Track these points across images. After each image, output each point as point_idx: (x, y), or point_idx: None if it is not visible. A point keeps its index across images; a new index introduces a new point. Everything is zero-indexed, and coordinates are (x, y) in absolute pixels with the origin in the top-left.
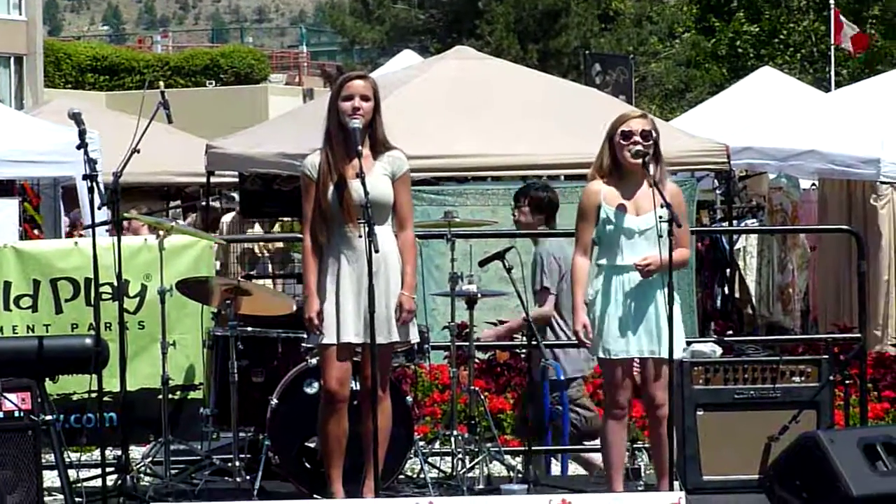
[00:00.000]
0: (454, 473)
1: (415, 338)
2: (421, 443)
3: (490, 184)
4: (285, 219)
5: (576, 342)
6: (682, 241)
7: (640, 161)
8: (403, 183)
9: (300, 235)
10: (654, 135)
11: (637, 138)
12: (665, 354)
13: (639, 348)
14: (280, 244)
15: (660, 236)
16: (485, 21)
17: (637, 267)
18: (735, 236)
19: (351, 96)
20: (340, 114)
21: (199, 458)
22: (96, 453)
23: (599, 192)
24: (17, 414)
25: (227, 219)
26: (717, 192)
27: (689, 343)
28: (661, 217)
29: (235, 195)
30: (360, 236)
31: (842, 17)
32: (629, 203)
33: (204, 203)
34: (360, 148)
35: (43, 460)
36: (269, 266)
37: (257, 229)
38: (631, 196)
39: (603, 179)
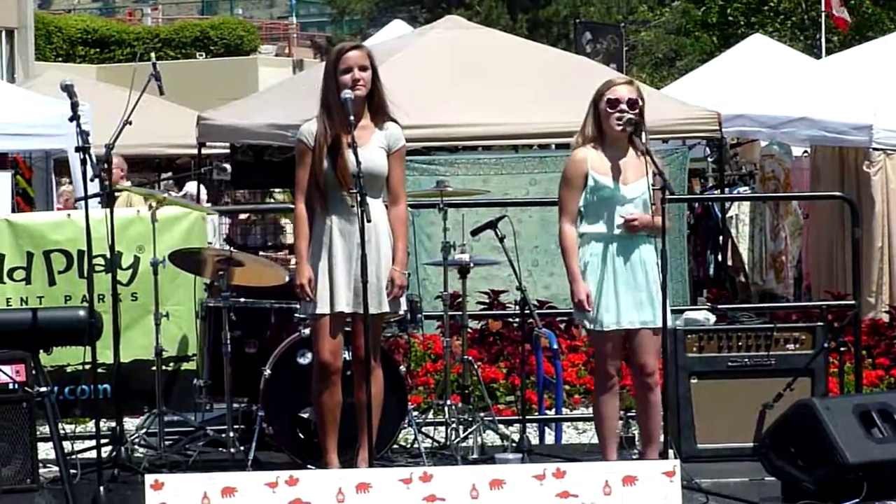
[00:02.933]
0: (448, 443)
1: (404, 309)
2: (415, 413)
3: (481, 153)
4: (276, 189)
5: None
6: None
7: (630, 129)
8: (398, 158)
9: (292, 206)
10: (640, 103)
11: (623, 106)
12: (657, 324)
13: (629, 319)
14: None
15: (653, 204)
16: None
17: (624, 219)
18: (727, 204)
19: (349, 68)
20: (340, 86)
21: (192, 428)
22: (91, 425)
23: (586, 159)
24: (11, 386)
25: None
26: (709, 159)
27: (682, 311)
28: (653, 185)
29: (228, 166)
30: (353, 206)
31: None
32: (616, 169)
33: (199, 173)
34: (352, 118)
35: (38, 432)
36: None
37: None
38: (617, 164)
39: (590, 145)
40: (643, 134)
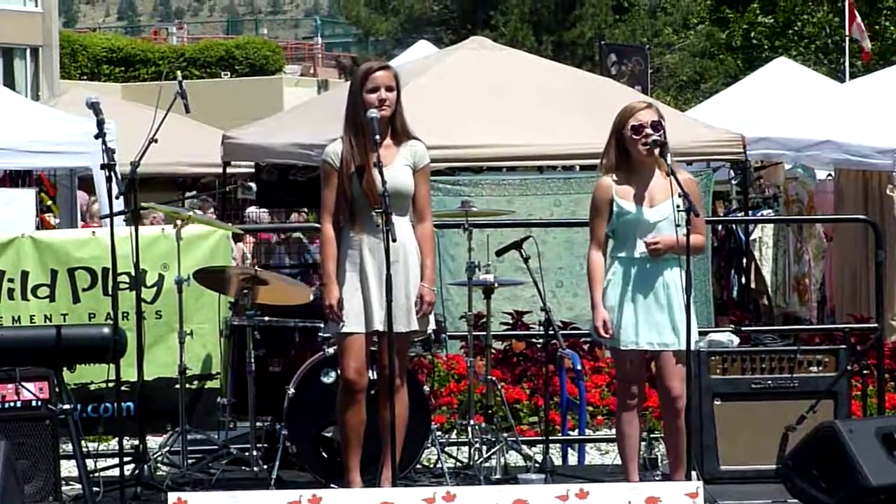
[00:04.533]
0: (471, 463)
1: (432, 327)
2: (438, 432)
3: (506, 174)
4: (302, 210)
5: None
6: (698, 227)
7: (655, 152)
8: (423, 175)
9: (317, 225)
10: (663, 123)
11: (648, 130)
12: (680, 347)
13: (649, 340)
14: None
15: (677, 225)
16: (499, 12)
17: (646, 244)
18: (751, 227)
19: (376, 88)
20: (366, 104)
21: (216, 447)
22: (114, 443)
23: (610, 186)
24: (35, 403)
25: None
26: (733, 182)
27: (706, 332)
28: (678, 206)
29: (253, 185)
30: (378, 225)
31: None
32: (642, 194)
33: (224, 192)
34: (376, 137)
35: (61, 450)
36: (287, 258)
37: None
38: (644, 187)
39: (614, 173)
40: (668, 156)
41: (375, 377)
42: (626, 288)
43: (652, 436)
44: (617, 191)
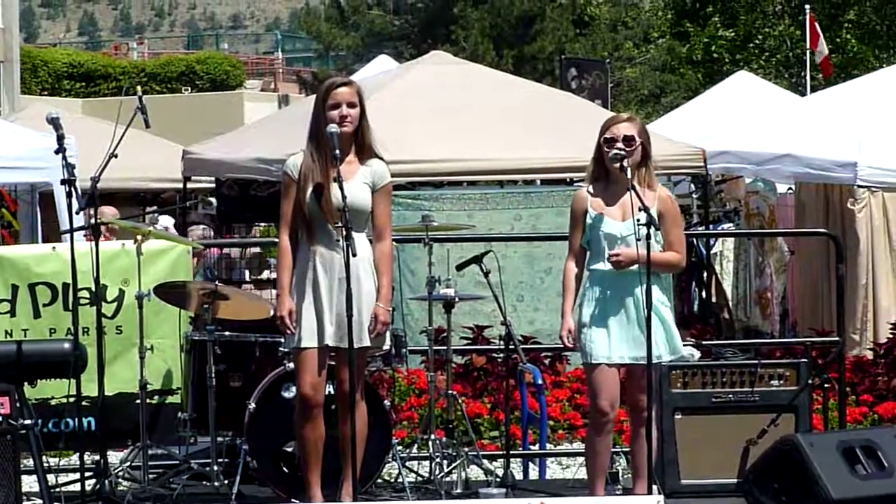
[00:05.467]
0: (432, 478)
1: (387, 346)
2: (399, 447)
3: (466, 188)
4: (261, 225)
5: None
6: (674, 244)
7: (617, 165)
8: (384, 194)
9: (276, 239)
10: (637, 139)
11: (619, 144)
12: (664, 356)
13: (620, 354)
14: (256, 249)
15: (638, 239)
16: (460, 27)
17: (609, 258)
18: (711, 240)
19: (338, 104)
20: (327, 121)
21: (177, 462)
22: (75, 458)
23: (586, 197)
24: None
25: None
26: (694, 196)
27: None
28: (638, 220)
29: (213, 200)
30: (338, 240)
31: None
32: (615, 208)
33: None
34: (337, 152)
35: (21, 465)
36: (247, 272)
37: None
38: (617, 201)
39: (592, 184)
40: (638, 169)
41: (333, 392)
42: (599, 302)
43: (613, 450)
44: (591, 202)
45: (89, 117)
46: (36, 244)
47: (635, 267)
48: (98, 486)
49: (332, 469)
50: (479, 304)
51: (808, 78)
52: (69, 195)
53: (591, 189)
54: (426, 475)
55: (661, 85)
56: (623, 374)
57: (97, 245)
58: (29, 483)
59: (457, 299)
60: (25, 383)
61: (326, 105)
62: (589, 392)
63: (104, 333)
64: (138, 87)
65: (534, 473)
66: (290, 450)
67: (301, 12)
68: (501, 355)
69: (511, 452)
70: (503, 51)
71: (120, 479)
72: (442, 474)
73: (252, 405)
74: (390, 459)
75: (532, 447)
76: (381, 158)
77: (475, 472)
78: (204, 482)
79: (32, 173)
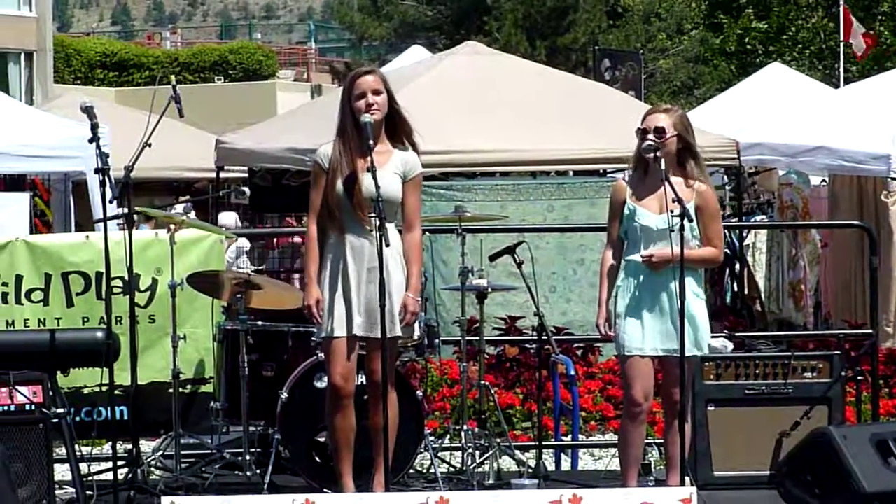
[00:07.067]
0: (464, 468)
1: (417, 334)
2: (431, 438)
3: (499, 179)
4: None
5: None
6: (713, 239)
7: (651, 156)
8: (414, 185)
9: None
10: (669, 131)
11: (651, 135)
12: (687, 352)
13: (654, 346)
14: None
15: (671, 230)
16: (493, 17)
17: (642, 259)
18: (745, 232)
19: (363, 93)
20: (355, 111)
21: (209, 451)
22: (107, 447)
23: (624, 188)
24: (28, 407)
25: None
26: (727, 188)
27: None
28: (672, 212)
29: (246, 190)
30: (371, 230)
31: (851, 17)
32: (652, 199)
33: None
34: (371, 142)
35: (54, 454)
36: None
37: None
38: (654, 192)
39: (634, 175)
40: (662, 161)
41: (366, 382)
42: (634, 293)
43: (646, 442)
44: (629, 193)
45: (122, 106)
46: (69, 233)
47: None
48: (130, 475)
49: (363, 459)
50: (511, 294)
51: (841, 70)
52: (103, 184)
53: (627, 179)
54: (458, 466)
55: (694, 76)
56: (657, 365)
57: (130, 234)
58: (61, 472)
59: (489, 290)
60: (58, 372)
61: (353, 95)
62: (623, 383)
63: (137, 322)
64: (172, 77)
65: (566, 464)
66: (321, 440)
67: (334, 2)
68: (534, 346)
69: (543, 443)
70: (536, 42)
71: (152, 469)
72: (474, 465)
73: (284, 395)
74: (422, 450)
75: (564, 438)
76: (416, 147)
77: (507, 463)
78: (236, 472)
79: (66, 162)
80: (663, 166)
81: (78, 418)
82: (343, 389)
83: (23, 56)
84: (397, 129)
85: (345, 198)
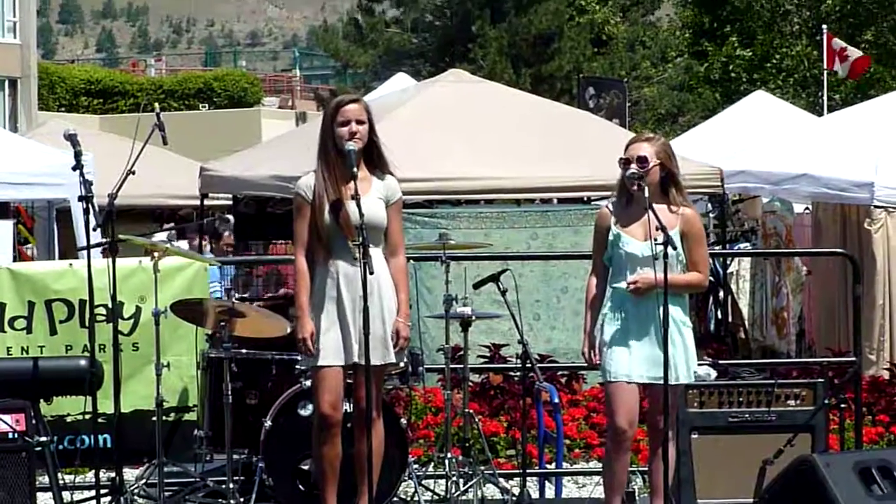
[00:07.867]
0: (448, 496)
1: (404, 361)
2: (415, 465)
3: (483, 207)
4: (279, 241)
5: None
6: (698, 264)
7: (634, 186)
8: (396, 210)
9: (293, 257)
10: (652, 160)
11: (633, 165)
12: (671, 380)
13: (640, 373)
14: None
15: (655, 258)
16: (478, 45)
17: (628, 287)
18: (728, 260)
19: (347, 121)
20: (337, 138)
21: (193, 479)
22: (90, 475)
23: (608, 214)
24: (11, 435)
25: None
26: (711, 215)
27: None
28: (656, 240)
29: (230, 217)
30: (356, 258)
31: (839, 42)
32: (637, 227)
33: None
34: (355, 170)
35: (37, 482)
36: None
37: None
38: (638, 220)
39: (618, 202)
40: (646, 189)
41: (351, 410)
42: (619, 320)
43: (630, 469)
44: (614, 220)
45: (106, 134)
46: (53, 261)
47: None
48: None
49: (348, 487)
50: (495, 322)
51: (825, 98)
52: (86, 211)
53: (611, 206)
54: (442, 493)
55: (678, 104)
56: (643, 393)
57: (114, 262)
58: (44, 500)
59: (473, 318)
60: (41, 400)
61: (336, 122)
62: (607, 410)
63: (121, 350)
64: (156, 104)
65: (550, 492)
66: (306, 467)
67: (319, 30)
68: (518, 374)
69: (527, 471)
70: (521, 69)
71: (135, 497)
72: (458, 493)
73: (268, 423)
74: (406, 478)
75: (548, 466)
76: (392, 174)
77: (491, 491)
78: (220, 500)
79: (49, 189)
80: (647, 195)
81: (61, 446)
82: (332, 418)
83: (7, 83)
84: (373, 160)
85: (333, 225)
